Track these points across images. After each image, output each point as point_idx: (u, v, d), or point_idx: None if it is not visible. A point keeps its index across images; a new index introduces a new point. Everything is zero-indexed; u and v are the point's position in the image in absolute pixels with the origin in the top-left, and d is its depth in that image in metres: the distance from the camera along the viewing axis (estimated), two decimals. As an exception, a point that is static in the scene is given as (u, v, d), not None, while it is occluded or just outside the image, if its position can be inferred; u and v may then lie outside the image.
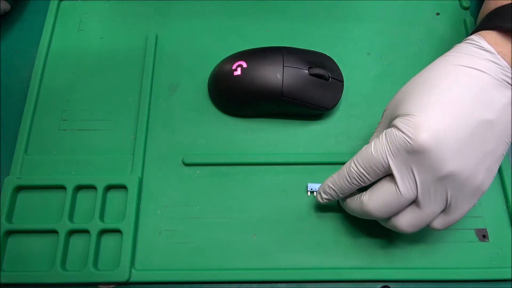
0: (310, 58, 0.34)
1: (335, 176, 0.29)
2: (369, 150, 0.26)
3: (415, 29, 0.39)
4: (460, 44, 0.28)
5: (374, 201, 0.26)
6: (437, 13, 0.40)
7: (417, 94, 0.26)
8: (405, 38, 0.39)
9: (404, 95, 0.27)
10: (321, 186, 0.30)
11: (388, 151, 0.25)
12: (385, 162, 0.25)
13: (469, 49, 0.27)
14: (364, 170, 0.26)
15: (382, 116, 0.30)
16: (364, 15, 0.40)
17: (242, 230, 0.32)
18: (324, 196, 0.29)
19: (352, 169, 0.27)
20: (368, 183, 0.27)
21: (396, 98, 0.28)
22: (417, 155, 0.24)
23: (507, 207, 0.32)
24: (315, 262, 0.31)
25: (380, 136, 0.26)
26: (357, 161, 0.27)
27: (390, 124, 0.27)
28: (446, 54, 0.28)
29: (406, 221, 0.26)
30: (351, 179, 0.27)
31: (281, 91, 0.33)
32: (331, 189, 0.29)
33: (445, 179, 0.24)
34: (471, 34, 0.29)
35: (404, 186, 0.25)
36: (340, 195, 0.29)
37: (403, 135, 0.24)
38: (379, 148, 0.25)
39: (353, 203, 0.28)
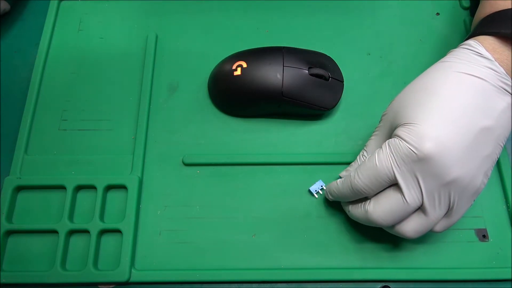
0: (310, 58, 0.34)
1: (339, 183, 0.29)
2: (373, 162, 0.26)
3: (415, 29, 0.39)
4: (457, 49, 0.28)
5: (379, 211, 0.26)
6: (437, 13, 0.40)
7: (418, 102, 0.26)
8: (405, 38, 0.39)
9: (403, 102, 0.27)
10: (328, 186, 0.31)
11: (393, 162, 0.25)
12: (390, 173, 0.25)
13: (467, 55, 0.27)
14: (369, 182, 0.26)
15: (380, 120, 0.30)
16: (364, 15, 0.40)
17: (242, 230, 0.32)
18: (329, 196, 0.31)
19: (356, 181, 0.27)
20: (372, 194, 0.27)
21: (395, 104, 0.28)
22: (422, 164, 0.24)
23: (507, 207, 0.32)
24: (315, 262, 0.31)
25: (383, 147, 0.26)
26: (361, 173, 0.27)
27: (390, 131, 0.27)
28: (443, 59, 0.28)
29: (411, 228, 0.26)
30: (354, 191, 0.27)
31: (281, 91, 0.33)
32: (334, 192, 0.30)
33: (449, 185, 0.25)
34: (468, 38, 0.29)
35: (410, 195, 0.25)
36: (344, 200, 0.30)
37: (408, 145, 0.25)
38: (383, 159, 0.25)
39: (357, 211, 0.28)
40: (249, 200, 0.33)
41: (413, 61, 0.38)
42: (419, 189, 0.25)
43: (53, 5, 0.40)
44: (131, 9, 0.40)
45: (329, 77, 0.34)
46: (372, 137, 0.30)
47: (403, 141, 0.25)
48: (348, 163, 0.34)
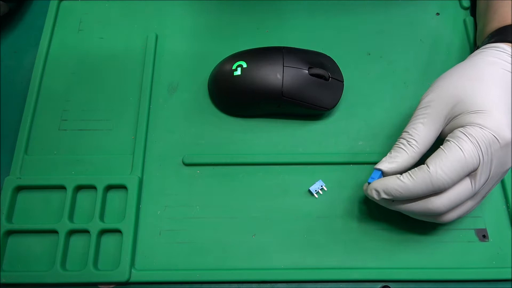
0: (310, 58, 0.34)
1: (407, 181, 0.26)
2: (459, 154, 0.25)
3: (415, 29, 0.39)
4: (493, 49, 0.29)
5: (446, 199, 0.26)
6: (437, 13, 0.40)
7: (483, 92, 0.27)
8: (405, 38, 0.39)
9: (464, 90, 0.28)
10: (381, 185, 0.27)
11: (479, 151, 0.25)
12: (477, 163, 0.25)
13: (504, 56, 0.29)
14: (456, 175, 0.25)
15: (424, 106, 0.28)
16: (364, 15, 0.40)
17: (242, 230, 0.32)
18: (385, 196, 0.27)
19: (440, 177, 0.25)
20: (451, 187, 0.26)
21: (450, 91, 0.28)
22: (501, 151, 0.26)
23: (507, 207, 0.32)
24: (315, 262, 0.31)
25: (463, 137, 0.26)
26: (446, 167, 0.25)
27: (445, 117, 0.28)
28: (484, 54, 0.29)
29: (456, 213, 0.27)
30: (435, 187, 0.26)
31: (281, 91, 0.33)
32: (398, 192, 0.27)
33: (505, 172, 0.27)
34: (490, 42, 0.30)
35: (480, 182, 0.26)
36: (408, 198, 0.27)
37: (492, 133, 0.25)
38: (471, 150, 0.25)
39: (412, 203, 0.27)
40: (249, 200, 0.33)
41: (413, 61, 0.38)
42: (487, 176, 0.26)
43: (53, 5, 0.40)
44: (131, 9, 0.40)
45: (329, 77, 0.34)
46: (419, 124, 0.28)
47: (485, 129, 0.25)
48: (348, 163, 0.34)
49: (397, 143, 0.29)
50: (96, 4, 0.41)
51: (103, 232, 0.32)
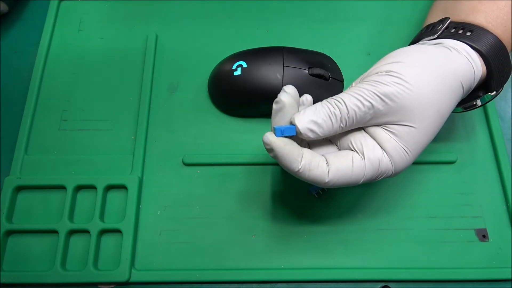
0: (310, 58, 0.34)
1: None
2: (360, 172, 0.24)
3: (415, 29, 0.39)
4: (447, 48, 0.26)
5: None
6: (437, 13, 0.40)
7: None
8: (405, 38, 0.39)
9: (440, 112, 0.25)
10: (275, 144, 0.23)
11: (374, 173, 0.25)
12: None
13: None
14: (343, 183, 0.25)
15: (387, 103, 0.24)
16: (364, 15, 0.40)
17: (242, 230, 0.32)
18: (269, 148, 0.24)
19: (331, 180, 0.24)
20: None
21: (426, 102, 0.24)
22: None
23: (507, 207, 0.32)
24: (315, 262, 0.31)
25: (373, 160, 0.24)
26: (339, 175, 0.24)
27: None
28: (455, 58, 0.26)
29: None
30: (312, 180, 0.24)
31: (281, 91, 0.33)
32: (280, 156, 0.24)
33: None
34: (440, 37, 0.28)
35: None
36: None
37: (393, 167, 0.25)
38: (371, 175, 0.25)
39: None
40: (249, 200, 0.33)
41: (413, 61, 0.38)
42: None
43: (53, 5, 0.40)
44: (131, 9, 0.40)
45: (329, 77, 0.34)
46: (367, 115, 0.24)
47: (392, 165, 0.25)
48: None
49: (330, 108, 0.24)
50: (96, 4, 0.41)
51: (103, 232, 0.32)
